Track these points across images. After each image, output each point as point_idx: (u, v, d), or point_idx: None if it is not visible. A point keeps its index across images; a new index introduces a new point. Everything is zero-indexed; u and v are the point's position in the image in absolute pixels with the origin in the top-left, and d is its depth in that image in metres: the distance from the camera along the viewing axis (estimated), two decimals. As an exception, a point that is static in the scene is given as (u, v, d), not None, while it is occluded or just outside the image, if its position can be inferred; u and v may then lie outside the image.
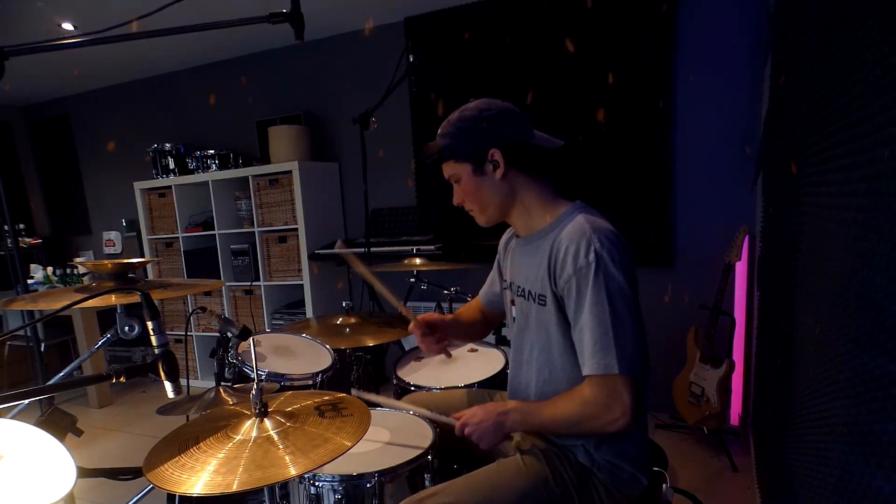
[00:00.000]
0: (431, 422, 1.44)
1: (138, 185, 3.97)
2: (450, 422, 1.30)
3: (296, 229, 3.47)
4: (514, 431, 1.28)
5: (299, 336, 2.05)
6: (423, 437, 1.38)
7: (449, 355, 1.82)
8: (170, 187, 3.83)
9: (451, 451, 1.45)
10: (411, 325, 1.50)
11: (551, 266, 1.19)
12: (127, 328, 1.16)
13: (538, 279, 1.24)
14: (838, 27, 0.94)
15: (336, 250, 1.39)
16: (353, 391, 1.41)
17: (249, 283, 3.68)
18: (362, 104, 2.55)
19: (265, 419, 1.10)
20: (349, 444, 1.01)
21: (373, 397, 1.44)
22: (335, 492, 1.25)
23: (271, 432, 1.06)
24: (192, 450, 1.02)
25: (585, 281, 1.11)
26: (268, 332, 2.15)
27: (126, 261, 1.47)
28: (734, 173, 2.68)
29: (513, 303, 1.37)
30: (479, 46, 3.16)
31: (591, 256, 1.11)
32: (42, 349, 3.74)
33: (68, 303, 1.06)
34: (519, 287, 1.32)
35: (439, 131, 1.28)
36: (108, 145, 4.54)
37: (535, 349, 1.29)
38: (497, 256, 1.53)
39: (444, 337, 1.53)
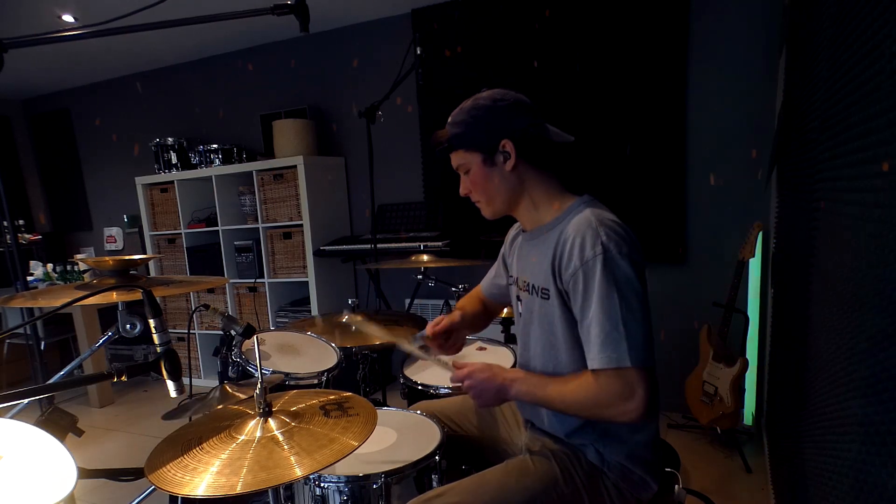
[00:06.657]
0: (439, 421, 1.43)
1: (140, 181, 3.95)
2: (450, 369, 1.29)
3: (301, 225, 3.44)
4: (515, 400, 1.27)
5: (304, 334, 2.03)
6: (431, 437, 1.36)
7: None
8: (172, 182, 3.81)
9: (459, 452, 1.44)
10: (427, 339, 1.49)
11: (556, 259, 1.17)
12: (128, 326, 1.14)
13: (542, 273, 1.22)
14: (854, 19, 0.93)
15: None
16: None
17: (253, 280, 3.66)
18: (368, 97, 2.52)
19: (269, 419, 1.08)
20: (355, 444, 0.99)
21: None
22: (341, 493, 1.23)
23: (276, 432, 1.04)
24: (194, 450, 1.00)
25: (593, 273, 1.09)
26: (272, 330, 2.13)
27: (128, 257, 1.45)
28: (748, 168, 2.64)
29: (519, 298, 1.35)
30: (486, 39, 3.13)
31: (598, 248, 1.09)
32: (42, 347, 3.77)
33: (68, 300, 1.04)
34: (524, 282, 1.30)
35: (450, 119, 1.26)
36: (109, 140, 4.53)
37: (539, 344, 1.27)
38: (502, 250, 1.51)
39: (457, 338, 1.53)
